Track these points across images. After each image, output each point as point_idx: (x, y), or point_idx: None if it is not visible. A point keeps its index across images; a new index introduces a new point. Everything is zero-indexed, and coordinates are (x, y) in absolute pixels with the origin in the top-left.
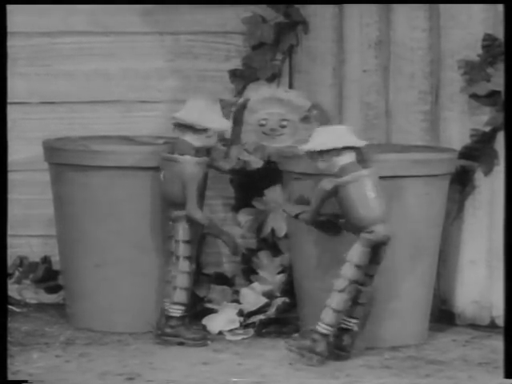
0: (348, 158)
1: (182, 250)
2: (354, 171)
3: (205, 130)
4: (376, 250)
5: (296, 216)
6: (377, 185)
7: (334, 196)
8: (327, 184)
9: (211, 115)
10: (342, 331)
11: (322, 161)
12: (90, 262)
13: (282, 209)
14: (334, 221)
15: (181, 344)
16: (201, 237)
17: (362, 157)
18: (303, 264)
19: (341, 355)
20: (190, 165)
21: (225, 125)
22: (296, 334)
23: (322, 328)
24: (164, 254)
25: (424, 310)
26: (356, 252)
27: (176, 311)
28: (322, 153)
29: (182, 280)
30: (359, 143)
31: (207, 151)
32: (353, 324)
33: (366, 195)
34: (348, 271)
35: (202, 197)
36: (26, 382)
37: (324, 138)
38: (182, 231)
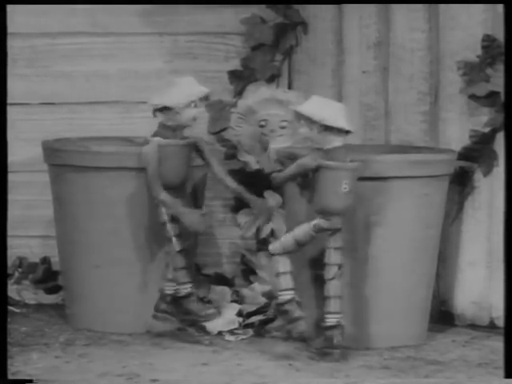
0: (339, 141)
1: (169, 230)
2: (341, 159)
3: (169, 109)
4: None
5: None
6: (354, 180)
7: (311, 172)
8: (311, 161)
9: (173, 91)
10: (327, 329)
11: (314, 131)
12: (90, 263)
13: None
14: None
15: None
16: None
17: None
18: (302, 265)
19: (333, 353)
20: (150, 145)
21: (186, 98)
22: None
23: (280, 296)
24: (164, 254)
25: (423, 310)
26: (302, 230)
27: (170, 288)
28: (314, 122)
29: (178, 260)
30: (352, 129)
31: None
32: (334, 319)
33: (341, 187)
34: (285, 239)
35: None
36: (31, 381)
37: (324, 109)
38: (163, 213)
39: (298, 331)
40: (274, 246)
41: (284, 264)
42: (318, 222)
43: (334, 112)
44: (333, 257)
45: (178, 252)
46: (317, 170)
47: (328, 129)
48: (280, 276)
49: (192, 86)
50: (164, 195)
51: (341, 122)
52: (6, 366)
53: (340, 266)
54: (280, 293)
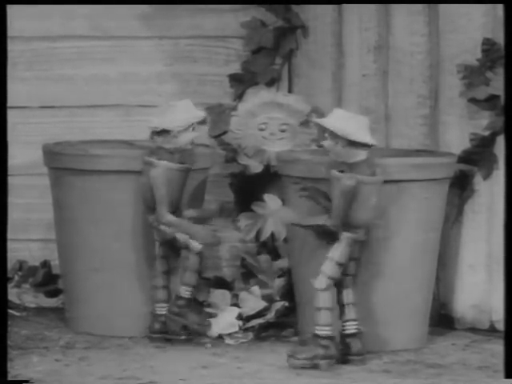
0: (363, 154)
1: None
2: (365, 173)
3: (167, 132)
4: (353, 249)
5: (322, 228)
6: (380, 191)
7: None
8: (350, 180)
9: (171, 115)
10: (347, 337)
11: (338, 145)
12: (90, 266)
13: (298, 224)
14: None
15: (184, 328)
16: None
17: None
18: (302, 268)
19: (355, 360)
20: (158, 168)
21: (185, 121)
22: (295, 348)
23: (323, 331)
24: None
25: (423, 313)
26: (338, 250)
27: (185, 292)
28: (338, 137)
29: (193, 262)
30: (375, 143)
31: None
32: (353, 326)
33: (371, 200)
34: (328, 269)
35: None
36: (27, 382)
37: (349, 123)
38: (156, 234)
39: (326, 369)
40: (319, 282)
41: (326, 299)
42: (350, 236)
43: (358, 126)
44: (329, 269)
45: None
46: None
47: (352, 143)
48: (321, 311)
49: (190, 109)
50: (171, 217)
51: (365, 136)
52: (5, 367)
53: (354, 276)
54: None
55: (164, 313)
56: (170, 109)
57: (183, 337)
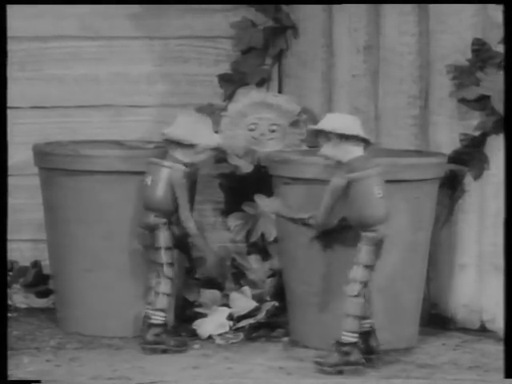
0: (359, 150)
1: (165, 256)
2: (363, 167)
3: (192, 146)
4: (377, 247)
5: (303, 222)
6: (383, 184)
7: (345, 192)
8: (340, 180)
9: (199, 131)
10: (364, 335)
11: (330, 145)
12: (80, 267)
13: (282, 215)
14: (343, 225)
15: (164, 352)
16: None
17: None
18: (293, 268)
19: (372, 359)
20: (180, 171)
21: (214, 140)
22: (323, 353)
23: (348, 337)
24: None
25: (414, 313)
26: (363, 253)
27: (158, 318)
28: (328, 135)
29: (165, 286)
30: (370, 138)
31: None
32: (370, 324)
33: (374, 194)
34: (358, 274)
35: (189, 201)
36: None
37: (339, 122)
38: (163, 238)
39: (352, 373)
40: (351, 289)
41: (356, 306)
42: (370, 235)
43: (349, 123)
44: (360, 274)
45: (170, 278)
46: (348, 187)
47: (344, 140)
48: (349, 317)
49: (212, 130)
50: (193, 225)
51: (354, 129)
52: (6, 367)
53: (366, 284)
54: (344, 333)
55: (161, 322)
56: (197, 126)
57: (178, 348)
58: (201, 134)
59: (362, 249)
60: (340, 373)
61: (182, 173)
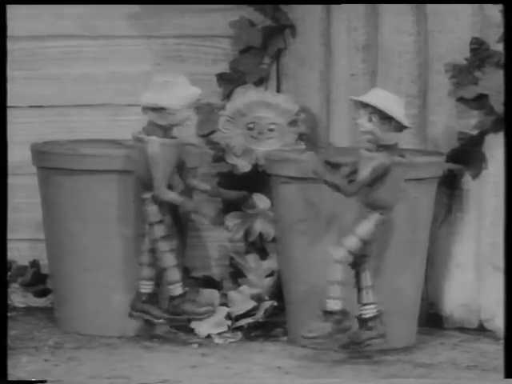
0: (398, 137)
1: (157, 230)
2: (398, 154)
3: (163, 108)
4: (378, 228)
5: (336, 188)
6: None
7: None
8: (387, 160)
9: (169, 92)
10: (368, 320)
11: (379, 124)
12: (79, 266)
13: (319, 174)
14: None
15: (147, 322)
16: (183, 227)
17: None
18: (291, 267)
19: (379, 343)
20: (153, 145)
21: (186, 98)
22: (309, 325)
23: (333, 305)
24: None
25: (412, 313)
26: (363, 227)
27: (146, 287)
28: (381, 116)
29: (167, 259)
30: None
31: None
32: (373, 309)
33: (399, 181)
34: (349, 241)
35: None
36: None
37: (398, 105)
38: (151, 212)
39: (377, 347)
40: (337, 252)
41: (339, 272)
42: (380, 217)
43: (403, 109)
44: (351, 243)
45: (168, 251)
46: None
47: (387, 120)
48: (334, 284)
49: (186, 86)
50: (173, 194)
51: (401, 113)
52: (6, 367)
53: (353, 254)
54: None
55: (149, 291)
56: (166, 85)
57: (161, 320)
58: (171, 93)
59: (365, 224)
60: (331, 342)
61: (156, 145)
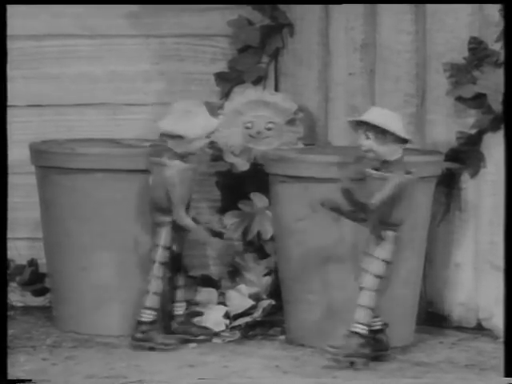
0: (401, 151)
1: (160, 255)
2: (404, 170)
3: (181, 137)
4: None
5: (363, 205)
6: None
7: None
8: (403, 178)
9: (188, 121)
10: (376, 333)
11: (373, 140)
12: (77, 265)
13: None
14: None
15: (151, 349)
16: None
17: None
18: (289, 266)
19: (383, 355)
20: (174, 170)
21: (205, 128)
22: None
23: (360, 329)
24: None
25: (410, 312)
26: (385, 249)
27: (147, 316)
28: (385, 134)
29: (156, 285)
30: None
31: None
32: (379, 323)
33: (410, 198)
34: (376, 267)
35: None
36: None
37: (394, 120)
38: (164, 236)
39: (362, 367)
40: (367, 281)
41: (371, 299)
42: (391, 233)
43: (401, 123)
44: (377, 268)
45: (160, 278)
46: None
47: (387, 136)
48: (361, 309)
49: (206, 117)
50: (189, 221)
51: (407, 133)
52: (6, 366)
53: (379, 278)
54: (358, 325)
55: (152, 320)
56: (187, 115)
57: (165, 346)
58: (188, 124)
59: (384, 245)
60: (351, 364)
61: (176, 170)
